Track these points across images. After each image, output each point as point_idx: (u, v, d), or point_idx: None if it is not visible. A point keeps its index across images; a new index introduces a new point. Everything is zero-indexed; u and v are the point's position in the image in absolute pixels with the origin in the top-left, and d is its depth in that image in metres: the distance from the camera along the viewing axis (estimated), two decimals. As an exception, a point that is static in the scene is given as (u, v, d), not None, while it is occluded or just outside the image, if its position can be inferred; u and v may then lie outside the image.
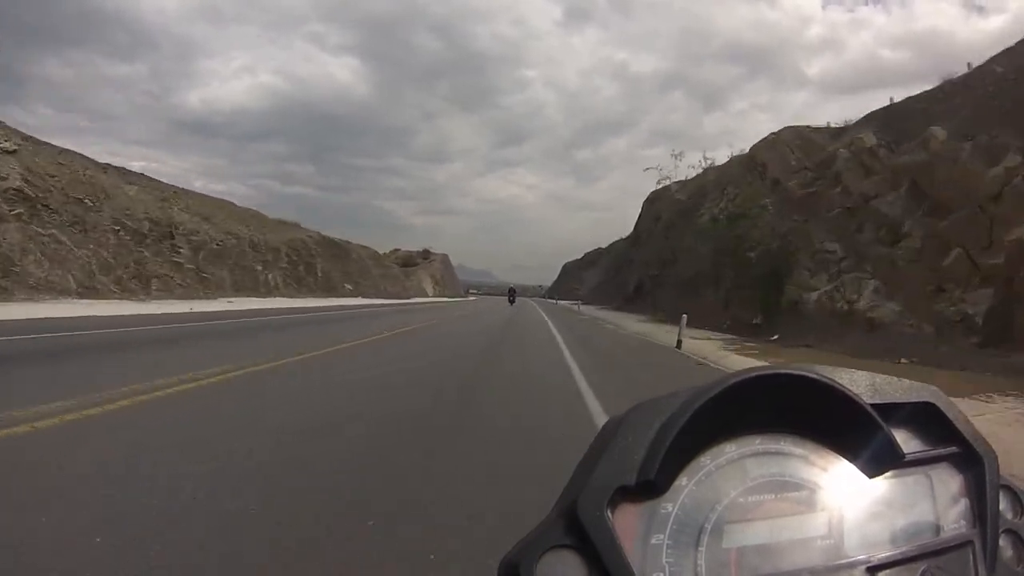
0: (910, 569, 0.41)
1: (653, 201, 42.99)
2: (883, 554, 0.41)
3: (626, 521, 0.36)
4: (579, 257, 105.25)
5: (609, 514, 0.35)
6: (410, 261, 75.48)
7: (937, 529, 0.44)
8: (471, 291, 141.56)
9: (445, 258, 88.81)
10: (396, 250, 76.40)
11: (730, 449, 0.40)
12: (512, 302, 47.50)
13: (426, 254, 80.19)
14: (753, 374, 0.39)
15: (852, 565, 0.40)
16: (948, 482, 0.45)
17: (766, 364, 0.41)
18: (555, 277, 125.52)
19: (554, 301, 69.51)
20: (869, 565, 0.40)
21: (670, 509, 0.37)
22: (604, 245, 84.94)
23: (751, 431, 0.41)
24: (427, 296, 64.72)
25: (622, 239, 72.16)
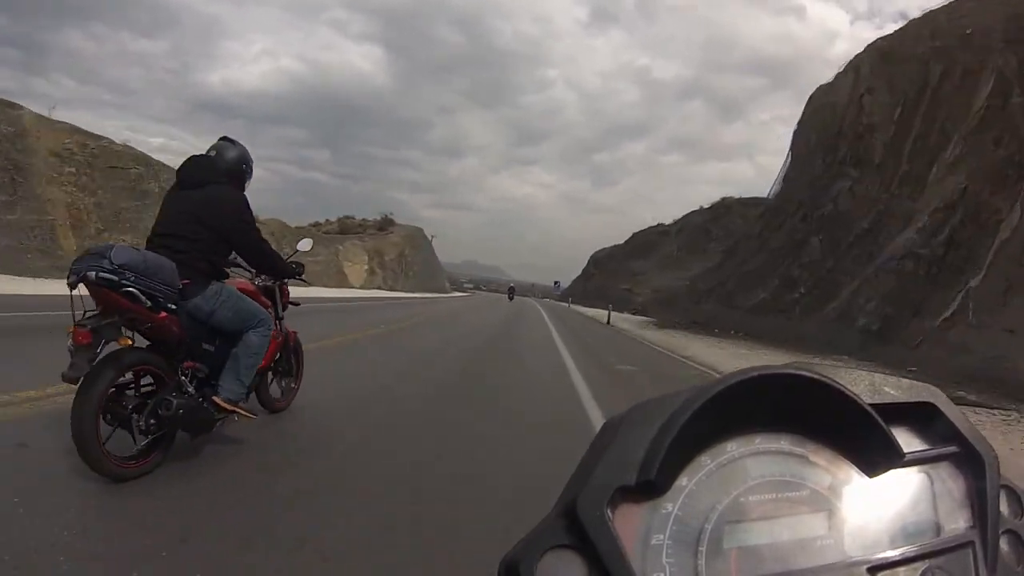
0: (910, 569, 0.41)
1: (829, 91, 21.85)
2: (883, 554, 0.41)
3: (626, 521, 0.36)
4: (621, 242, 71.65)
5: (609, 514, 0.35)
6: (350, 230, 48.41)
7: (937, 529, 0.44)
8: (466, 285, 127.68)
9: (416, 234, 56.93)
10: (348, 217, 51.85)
11: (731, 449, 0.40)
12: (511, 299, 55.05)
13: (386, 223, 53.50)
14: (754, 373, 0.39)
15: (852, 565, 0.40)
16: (948, 482, 0.45)
17: (767, 364, 0.42)
18: (576, 273, 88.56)
19: (604, 319, 26.75)
20: (869, 565, 0.40)
21: (670, 509, 0.37)
22: (667, 222, 61.29)
23: (751, 431, 0.41)
24: (350, 286, 37.74)
25: (701, 208, 51.77)
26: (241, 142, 3.33)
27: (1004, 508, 0.45)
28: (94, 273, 2.47)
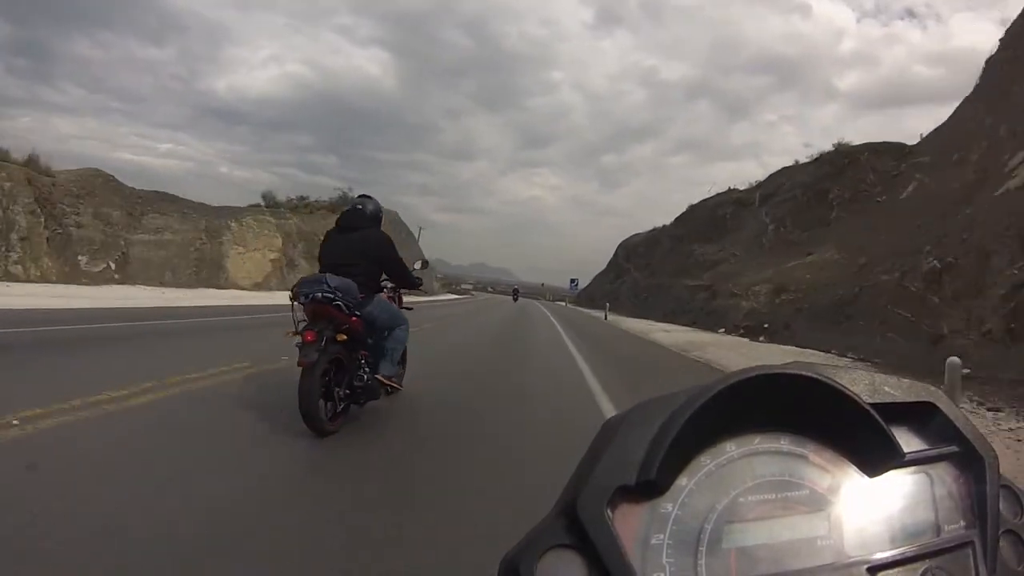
0: (910, 569, 0.41)
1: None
2: (883, 554, 0.41)
3: (626, 521, 0.36)
4: (668, 223, 47.22)
5: (609, 514, 0.35)
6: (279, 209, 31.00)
7: (937, 529, 0.44)
8: (464, 286, 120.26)
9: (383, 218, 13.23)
10: (302, 198, 33.79)
11: (730, 449, 0.40)
12: (515, 300, 53.09)
13: (341, 202, 31.75)
14: (754, 373, 0.39)
15: (852, 565, 0.40)
16: (948, 482, 0.45)
17: (767, 364, 0.42)
18: (597, 269, 63.66)
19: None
20: (869, 565, 0.40)
21: (670, 509, 0.37)
22: (741, 187, 39.51)
23: (751, 431, 0.41)
24: (238, 285, 24.85)
25: (797, 164, 32.99)
26: (371, 199, 4.55)
27: (1004, 508, 0.45)
28: (320, 294, 3.64)
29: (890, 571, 0.41)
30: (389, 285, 4.79)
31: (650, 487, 0.37)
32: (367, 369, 4.11)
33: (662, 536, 0.37)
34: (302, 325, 3.65)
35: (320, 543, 2.27)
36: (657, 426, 0.37)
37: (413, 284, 4.80)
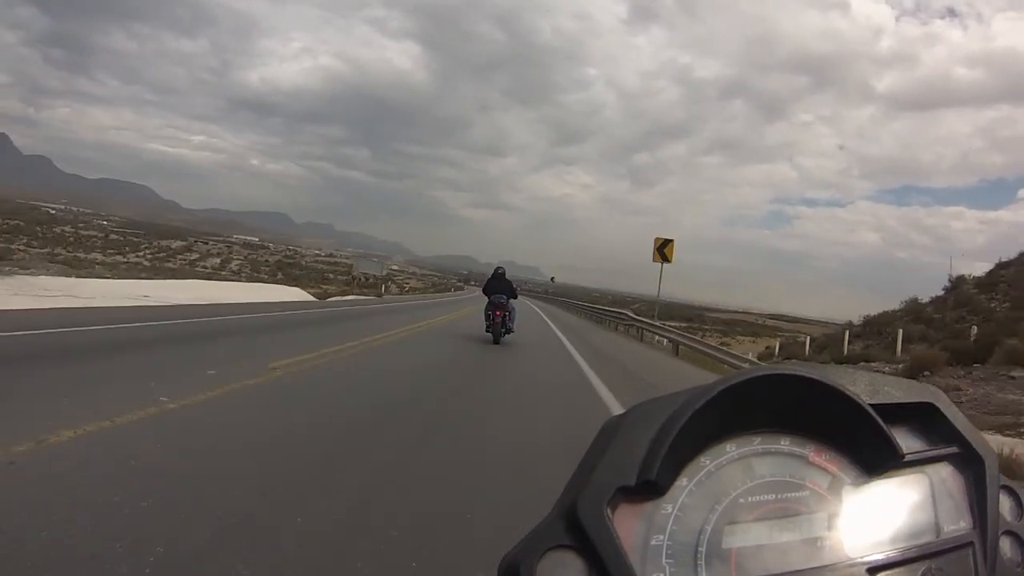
0: (910, 569, 0.41)
1: None
2: (883, 554, 0.41)
3: (626, 521, 0.36)
4: None
5: (609, 514, 0.35)
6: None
7: (937, 529, 0.43)
8: (457, 279, 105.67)
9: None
10: None
11: (730, 449, 0.40)
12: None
13: None
14: (754, 374, 0.39)
15: (852, 565, 0.40)
16: (948, 482, 0.45)
17: (767, 365, 0.42)
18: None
19: None
20: (869, 566, 0.40)
21: (670, 510, 0.37)
22: None
23: (751, 431, 0.41)
24: None
25: None
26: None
27: (1004, 508, 0.45)
28: (503, 298, 11.59)
29: (890, 571, 0.41)
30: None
31: (650, 488, 0.37)
32: (508, 322, 11.01)
33: (662, 537, 0.37)
34: (491, 309, 11.25)
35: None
36: (657, 427, 0.38)
37: (516, 296, 11.70)
